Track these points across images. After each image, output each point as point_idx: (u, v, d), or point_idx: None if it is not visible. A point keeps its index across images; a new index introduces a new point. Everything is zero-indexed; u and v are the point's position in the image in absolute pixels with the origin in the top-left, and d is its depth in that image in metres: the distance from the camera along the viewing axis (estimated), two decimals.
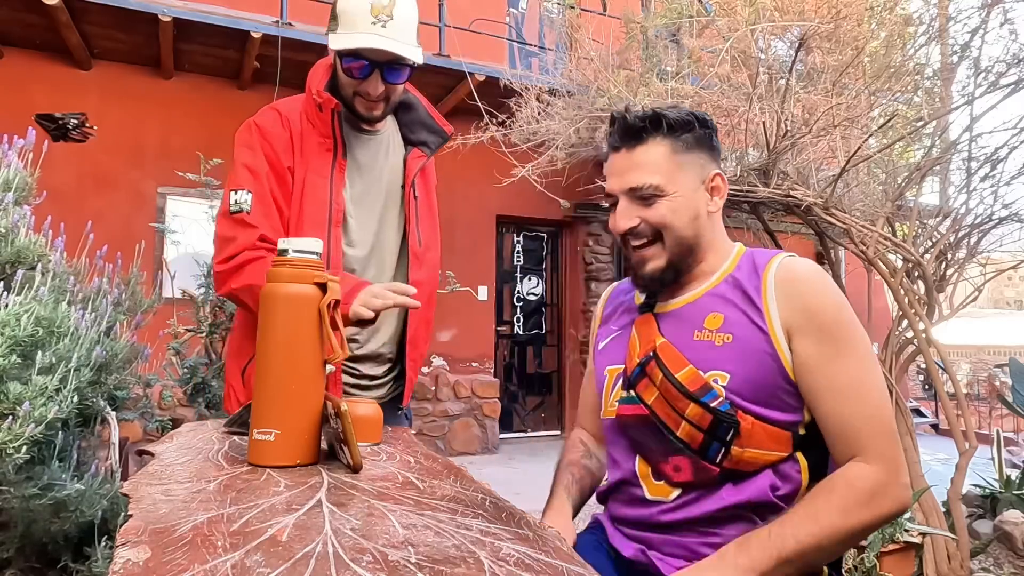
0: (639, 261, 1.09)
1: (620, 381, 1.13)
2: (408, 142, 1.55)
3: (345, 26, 1.34)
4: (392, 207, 1.51)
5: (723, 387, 1.00)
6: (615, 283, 1.33)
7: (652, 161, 1.06)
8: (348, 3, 1.34)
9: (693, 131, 1.08)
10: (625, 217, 1.07)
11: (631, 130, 1.08)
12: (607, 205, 1.13)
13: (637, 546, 1.08)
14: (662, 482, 1.06)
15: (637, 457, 1.10)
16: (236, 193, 1.36)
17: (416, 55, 1.36)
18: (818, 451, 1.02)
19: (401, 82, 1.41)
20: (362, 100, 1.40)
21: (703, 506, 1.02)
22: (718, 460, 1.00)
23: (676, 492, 1.04)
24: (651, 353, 1.07)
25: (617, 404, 1.12)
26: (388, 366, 1.52)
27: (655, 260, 1.08)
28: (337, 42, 1.34)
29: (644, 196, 1.06)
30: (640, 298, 1.20)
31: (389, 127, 1.54)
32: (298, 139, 1.41)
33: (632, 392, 1.08)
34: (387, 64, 1.35)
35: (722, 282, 1.08)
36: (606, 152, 1.14)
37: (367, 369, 1.48)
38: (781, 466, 1.01)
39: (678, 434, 1.02)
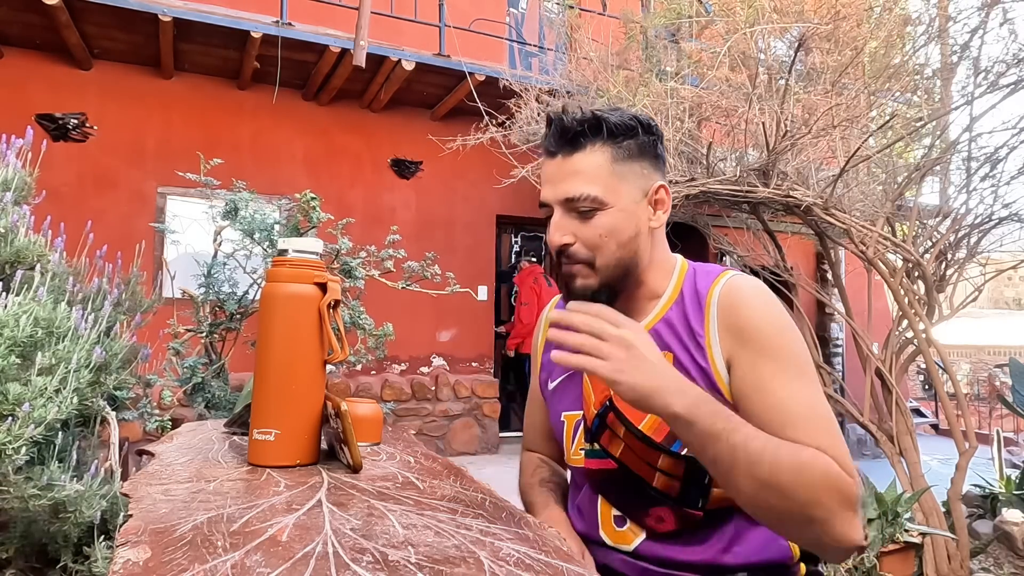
0: (568, 276, 0.98)
1: (580, 429, 1.06)
2: None
3: None
4: None
5: None
6: (556, 298, 1.20)
7: (590, 169, 0.95)
8: None
9: (636, 137, 0.97)
10: (560, 231, 0.96)
11: (568, 134, 0.96)
12: (544, 216, 1.01)
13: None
14: (625, 528, 1.01)
15: (600, 500, 1.04)
16: None
17: None
18: None
19: None
20: None
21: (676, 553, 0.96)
22: (700, 505, 0.95)
23: (640, 538, 0.99)
24: (607, 403, 0.99)
25: (583, 455, 1.05)
26: None
27: (585, 279, 0.97)
28: None
29: (581, 209, 0.95)
30: None
31: None
32: None
33: (596, 445, 1.02)
34: None
35: (670, 310, 1.00)
36: (542, 158, 1.03)
37: None
38: None
39: (654, 485, 0.96)
